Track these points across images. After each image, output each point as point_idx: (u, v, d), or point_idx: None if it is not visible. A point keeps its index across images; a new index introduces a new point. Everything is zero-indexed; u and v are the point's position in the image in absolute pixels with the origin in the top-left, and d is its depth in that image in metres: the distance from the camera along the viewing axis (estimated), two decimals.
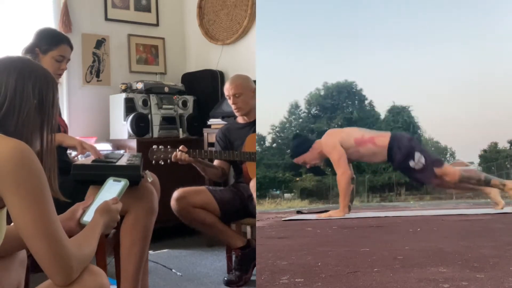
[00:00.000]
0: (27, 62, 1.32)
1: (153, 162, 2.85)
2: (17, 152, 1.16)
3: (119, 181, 1.61)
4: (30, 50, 2.53)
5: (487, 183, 3.54)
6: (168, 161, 2.87)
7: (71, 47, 2.63)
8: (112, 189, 1.58)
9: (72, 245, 1.22)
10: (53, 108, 1.32)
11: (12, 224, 1.28)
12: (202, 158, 2.89)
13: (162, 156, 2.86)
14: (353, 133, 3.71)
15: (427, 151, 3.65)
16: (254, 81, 3.22)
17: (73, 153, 2.72)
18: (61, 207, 1.46)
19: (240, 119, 3.18)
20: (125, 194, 2.23)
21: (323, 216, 3.75)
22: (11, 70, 1.27)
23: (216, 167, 3.05)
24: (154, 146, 2.89)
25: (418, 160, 3.49)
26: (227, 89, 3.08)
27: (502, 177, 9.27)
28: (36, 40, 2.55)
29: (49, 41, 2.55)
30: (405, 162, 3.53)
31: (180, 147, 2.84)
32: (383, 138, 3.62)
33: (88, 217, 1.47)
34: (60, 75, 2.64)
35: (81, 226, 1.46)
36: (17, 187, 1.15)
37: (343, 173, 3.56)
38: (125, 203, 2.23)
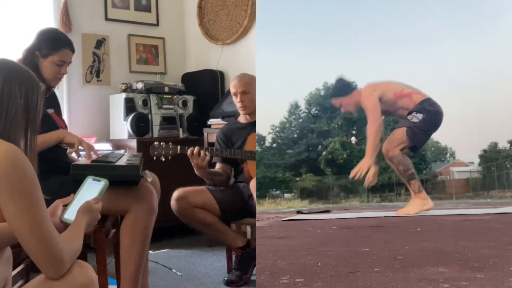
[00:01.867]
0: (13, 64, 1.36)
1: (154, 158, 2.85)
2: (10, 155, 1.19)
3: (99, 180, 1.63)
4: (30, 52, 2.47)
5: (409, 179, 3.52)
6: (169, 157, 2.87)
7: (73, 51, 2.58)
8: (92, 188, 1.60)
9: (63, 240, 1.29)
10: (37, 110, 1.36)
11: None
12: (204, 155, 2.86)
13: (163, 152, 2.86)
14: (393, 87, 3.68)
15: (427, 128, 3.59)
16: None
17: (74, 155, 2.71)
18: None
19: (241, 119, 3.17)
20: (125, 194, 2.24)
21: (353, 172, 3.65)
22: None
23: (222, 173, 3.05)
24: (156, 143, 2.89)
25: (414, 116, 3.49)
26: (235, 85, 3.06)
27: (502, 177, 9.27)
28: (37, 42, 2.50)
29: (50, 45, 2.49)
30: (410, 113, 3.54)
31: (201, 152, 2.82)
32: (420, 95, 3.60)
33: (69, 215, 1.50)
34: (59, 79, 2.59)
35: (61, 223, 1.49)
36: (10, 189, 1.19)
37: (373, 122, 3.54)
38: (125, 203, 2.25)
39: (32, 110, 1.34)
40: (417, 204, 3.53)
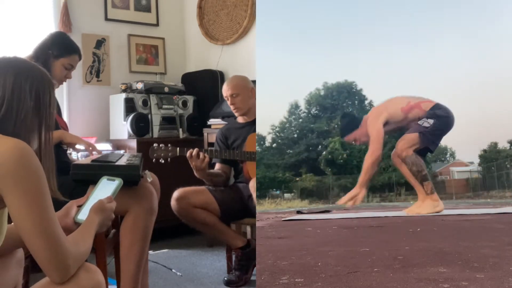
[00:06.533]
0: (24, 63, 1.33)
1: (153, 160, 2.85)
2: (16, 151, 1.17)
3: (113, 180, 1.61)
4: (42, 50, 2.53)
5: (423, 180, 3.54)
6: (168, 159, 2.86)
7: (80, 58, 2.68)
8: (106, 188, 1.59)
9: (69, 243, 1.24)
10: (50, 109, 1.33)
11: (12, 223, 1.29)
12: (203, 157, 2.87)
13: (162, 154, 2.86)
14: (399, 103, 3.71)
15: (438, 132, 3.60)
16: (253, 81, 3.22)
17: (73, 153, 2.73)
18: (60, 206, 1.47)
19: (240, 119, 3.18)
20: (124, 194, 2.23)
21: (342, 200, 3.72)
22: (8, 71, 1.27)
23: (221, 174, 3.05)
24: (155, 144, 2.89)
25: (425, 121, 3.51)
26: (225, 90, 3.09)
27: (502, 177, 9.27)
28: (50, 43, 2.56)
29: (63, 48, 2.57)
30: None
31: (200, 154, 2.81)
32: (428, 103, 3.63)
33: (82, 216, 1.48)
34: (63, 82, 2.69)
35: (75, 223, 1.47)
36: (16, 186, 1.16)
37: (372, 152, 3.58)
38: (125, 203, 2.24)
39: (44, 109, 1.31)
40: (429, 205, 3.55)
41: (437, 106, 3.61)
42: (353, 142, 3.93)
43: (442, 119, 3.57)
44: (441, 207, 3.59)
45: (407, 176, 3.69)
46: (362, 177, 3.63)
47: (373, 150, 3.59)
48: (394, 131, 3.87)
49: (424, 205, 3.58)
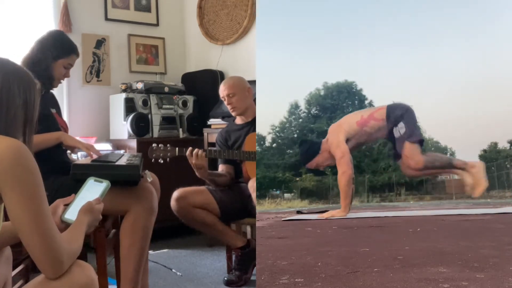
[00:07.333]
0: (10, 63, 1.35)
1: (153, 160, 2.85)
2: (13, 149, 1.19)
3: (101, 182, 1.63)
4: (41, 51, 2.53)
5: (451, 163, 3.51)
6: (168, 159, 2.86)
7: (78, 56, 2.68)
8: (93, 189, 1.60)
9: (63, 240, 1.28)
10: (34, 109, 1.35)
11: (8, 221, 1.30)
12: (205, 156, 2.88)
13: (161, 154, 2.86)
14: (353, 119, 3.69)
15: (413, 125, 3.58)
16: (251, 81, 3.22)
17: (73, 155, 2.74)
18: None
19: (238, 120, 3.18)
20: (124, 194, 2.25)
21: (324, 216, 3.74)
22: None
23: (224, 174, 3.05)
24: (154, 145, 2.89)
25: (399, 130, 3.49)
26: (221, 90, 3.09)
27: (502, 177, 9.27)
28: (49, 43, 2.56)
29: (63, 49, 2.58)
30: (392, 130, 3.53)
31: (199, 153, 2.81)
32: (381, 111, 3.60)
33: (69, 215, 1.50)
34: (62, 80, 2.68)
35: (62, 222, 1.49)
36: (13, 184, 1.18)
37: (343, 173, 3.55)
38: (125, 203, 2.25)
39: (31, 109, 1.33)
40: (480, 174, 3.38)
41: (391, 109, 3.56)
42: (316, 168, 3.88)
43: (405, 116, 3.54)
44: (480, 163, 3.46)
45: (441, 173, 3.60)
46: (344, 201, 3.60)
47: (343, 170, 3.54)
48: (356, 148, 3.83)
49: (477, 177, 3.38)
